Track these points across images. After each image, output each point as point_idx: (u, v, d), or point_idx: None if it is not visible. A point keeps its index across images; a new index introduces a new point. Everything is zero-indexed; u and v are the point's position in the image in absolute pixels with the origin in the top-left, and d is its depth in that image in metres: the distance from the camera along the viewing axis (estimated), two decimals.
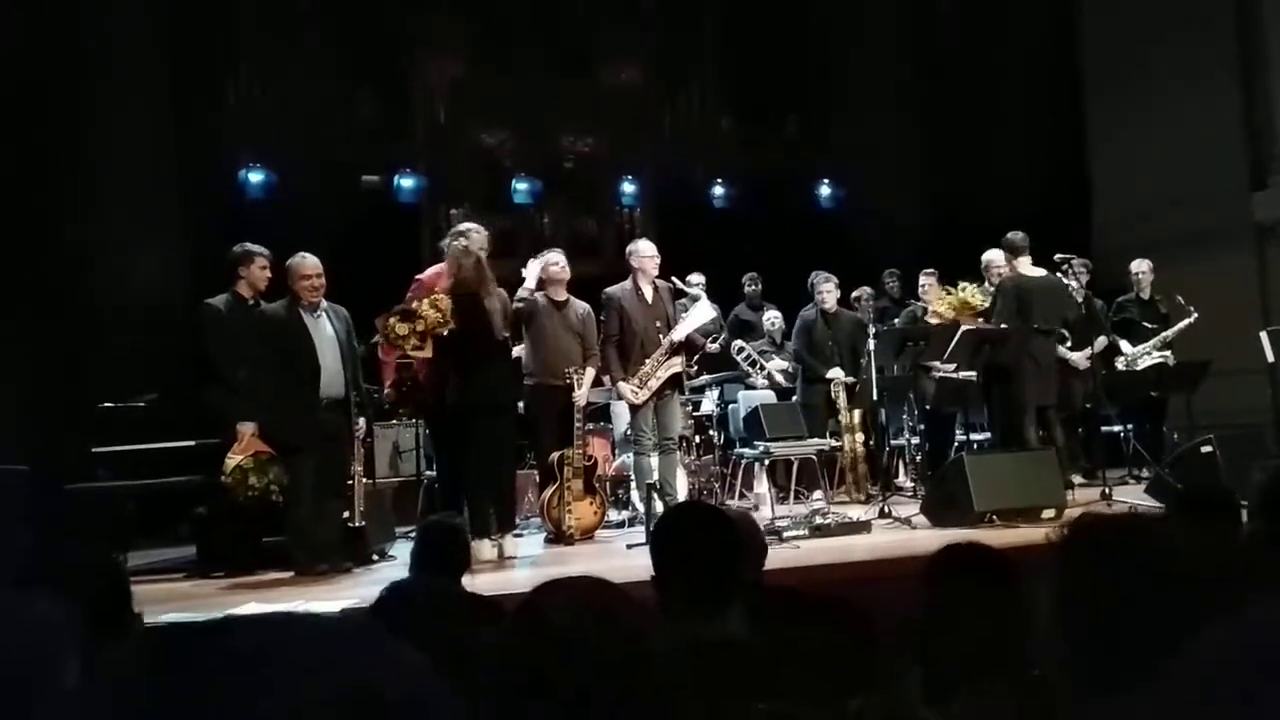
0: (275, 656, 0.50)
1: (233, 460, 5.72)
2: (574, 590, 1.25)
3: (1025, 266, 7.55)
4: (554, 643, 1.15)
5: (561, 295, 7.05)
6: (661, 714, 1.15)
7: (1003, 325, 7.35)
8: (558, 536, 6.70)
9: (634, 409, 6.89)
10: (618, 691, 1.12)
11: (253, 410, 5.84)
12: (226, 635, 0.53)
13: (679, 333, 6.93)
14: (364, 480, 6.34)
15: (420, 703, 0.52)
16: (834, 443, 8.19)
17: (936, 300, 8.10)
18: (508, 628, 1.21)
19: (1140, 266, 8.97)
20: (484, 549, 5.91)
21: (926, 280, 8.87)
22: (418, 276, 6.39)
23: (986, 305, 7.66)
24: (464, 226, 6.50)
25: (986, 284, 8.00)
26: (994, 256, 8.00)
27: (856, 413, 8.30)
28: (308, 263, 5.98)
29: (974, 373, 7.55)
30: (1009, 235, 7.63)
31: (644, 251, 7.01)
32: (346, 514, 6.01)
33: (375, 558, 6.19)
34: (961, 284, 7.85)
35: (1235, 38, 10.42)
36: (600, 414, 8.24)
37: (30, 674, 1.25)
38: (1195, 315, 8.58)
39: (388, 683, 0.51)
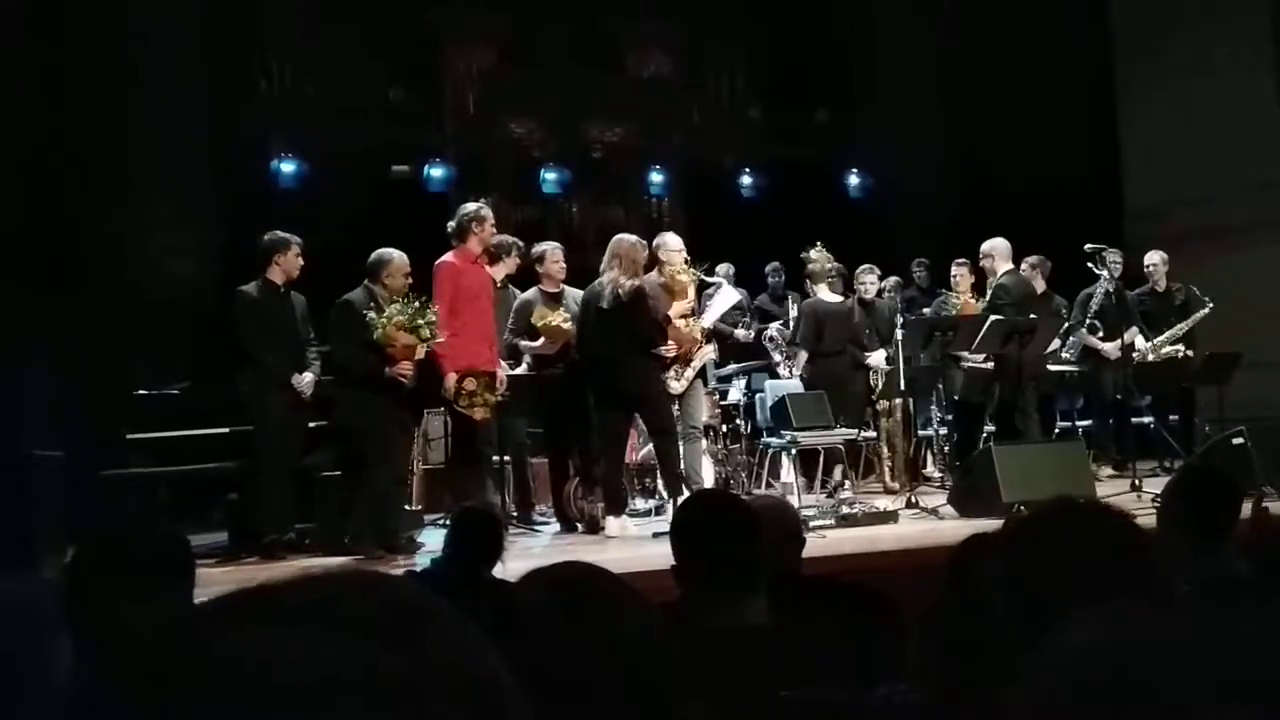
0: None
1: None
2: (552, 578, 1.27)
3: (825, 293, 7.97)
4: (526, 628, 1.17)
5: (554, 288, 7.16)
6: (645, 698, 1.15)
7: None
8: (570, 527, 6.78)
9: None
10: (589, 677, 1.13)
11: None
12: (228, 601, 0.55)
13: (707, 319, 7.01)
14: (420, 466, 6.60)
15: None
16: (866, 433, 8.16)
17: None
18: (490, 614, 1.23)
19: (1153, 259, 8.88)
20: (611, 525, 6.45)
21: (958, 271, 8.81)
22: (446, 259, 6.44)
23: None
24: (476, 208, 6.68)
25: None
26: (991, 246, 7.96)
27: (897, 400, 8.26)
28: (406, 261, 6.26)
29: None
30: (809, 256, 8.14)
31: (671, 245, 7.04)
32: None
33: (403, 542, 6.25)
34: None
35: (1271, 25, 10.27)
36: None
37: (18, 659, 1.25)
38: (1210, 305, 8.48)
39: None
